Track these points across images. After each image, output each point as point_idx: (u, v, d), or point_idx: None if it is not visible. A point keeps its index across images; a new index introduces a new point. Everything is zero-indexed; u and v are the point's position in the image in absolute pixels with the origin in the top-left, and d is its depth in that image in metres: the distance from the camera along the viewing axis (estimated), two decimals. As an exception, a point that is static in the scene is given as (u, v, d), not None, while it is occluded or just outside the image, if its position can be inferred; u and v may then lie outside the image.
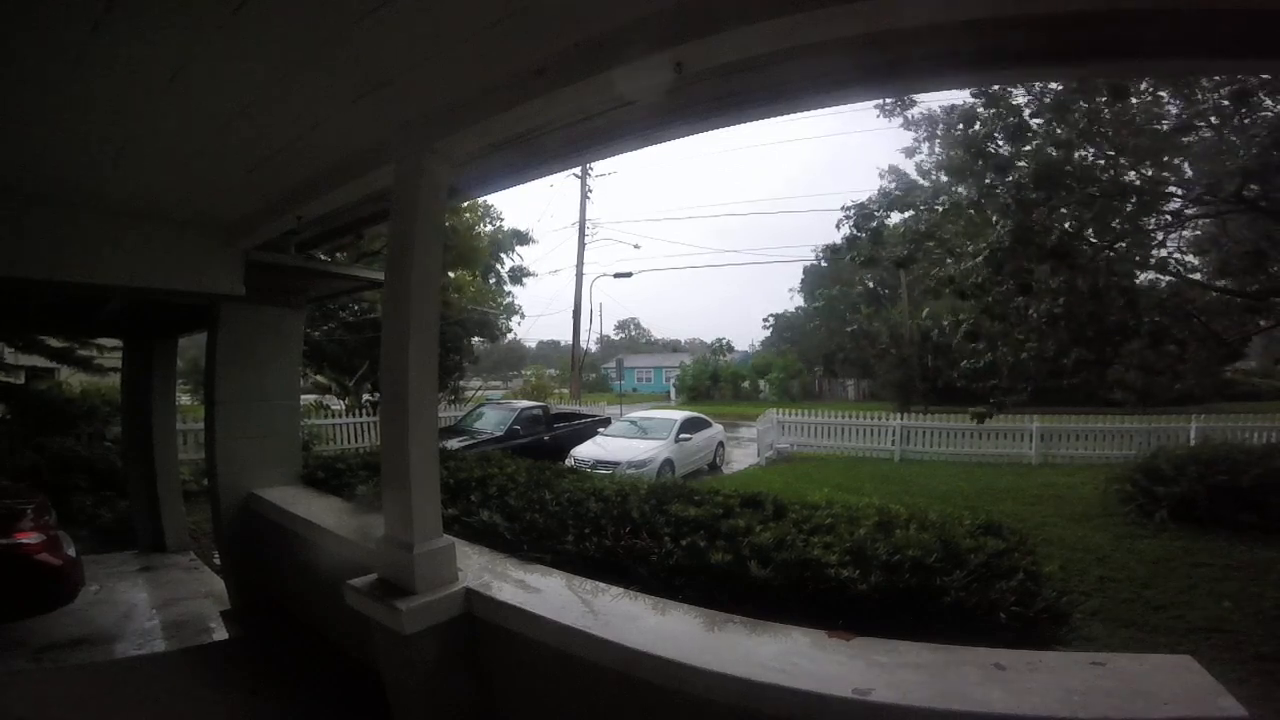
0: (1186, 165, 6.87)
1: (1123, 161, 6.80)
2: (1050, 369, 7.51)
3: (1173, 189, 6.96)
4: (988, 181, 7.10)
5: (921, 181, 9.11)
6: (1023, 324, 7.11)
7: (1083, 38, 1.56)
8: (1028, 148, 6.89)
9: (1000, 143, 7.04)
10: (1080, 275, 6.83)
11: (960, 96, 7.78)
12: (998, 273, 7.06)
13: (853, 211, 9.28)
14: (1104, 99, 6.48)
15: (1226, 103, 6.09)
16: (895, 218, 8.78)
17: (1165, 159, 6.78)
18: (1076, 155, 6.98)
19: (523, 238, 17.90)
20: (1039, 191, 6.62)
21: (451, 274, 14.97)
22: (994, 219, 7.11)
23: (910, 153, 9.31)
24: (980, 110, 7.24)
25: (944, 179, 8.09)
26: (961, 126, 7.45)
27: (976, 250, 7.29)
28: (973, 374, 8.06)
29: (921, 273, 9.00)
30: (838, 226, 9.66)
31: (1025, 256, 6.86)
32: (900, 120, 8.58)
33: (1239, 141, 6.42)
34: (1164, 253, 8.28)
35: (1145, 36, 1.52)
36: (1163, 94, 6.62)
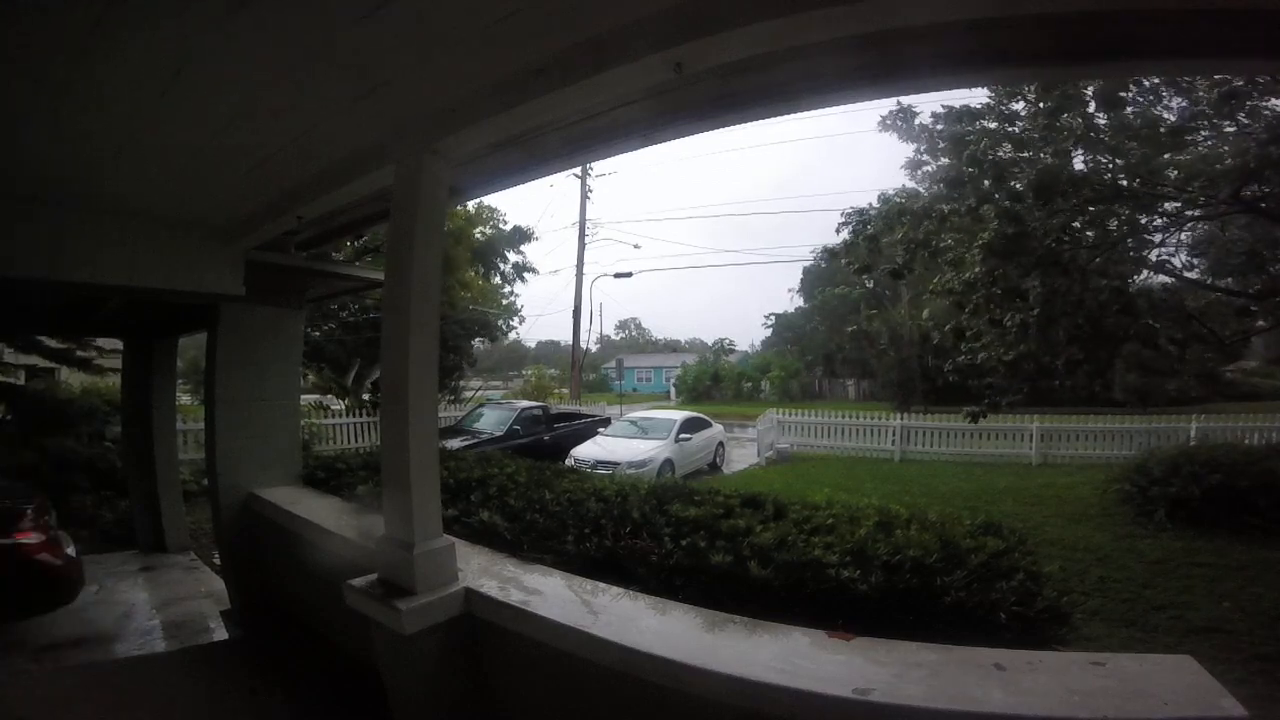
0: (1184, 167, 6.86)
1: (1119, 163, 6.79)
2: (1041, 370, 7.50)
3: (1170, 190, 6.95)
4: (985, 186, 7.10)
5: (921, 190, 9.08)
6: (1012, 326, 7.11)
7: (1083, 38, 1.56)
8: (1025, 153, 6.89)
9: (995, 152, 7.05)
10: (1071, 281, 6.83)
11: (959, 99, 7.79)
12: (989, 275, 7.08)
13: (853, 218, 9.28)
14: (1093, 106, 6.49)
15: (1224, 104, 6.09)
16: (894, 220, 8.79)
17: (1164, 157, 6.77)
18: (1073, 161, 6.98)
19: (525, 235, 17.87)
20: (1036, 201, 6.62)
21: (463, 290, 14.95)
22: (989, 225, 7.11)
23: (914, 166, 9.20)
24: (969, 126, 7.25)
25: (941, 188, 8.06)
26: (952, 144, 7.45)
27: (973, 260, 7.31)
28: (965, 369, 8.06)
29: (919, 279, 8.99)
30: (837, 231, 9.69)
31: (1016, 263, 6.87)
32: (899, 133, 8.54)
33: (1236, 143, 6.42)
34: (1161, 254, 8.29)
35: (1145, 36, 1.52)
36: (1163, 94, 6.62)
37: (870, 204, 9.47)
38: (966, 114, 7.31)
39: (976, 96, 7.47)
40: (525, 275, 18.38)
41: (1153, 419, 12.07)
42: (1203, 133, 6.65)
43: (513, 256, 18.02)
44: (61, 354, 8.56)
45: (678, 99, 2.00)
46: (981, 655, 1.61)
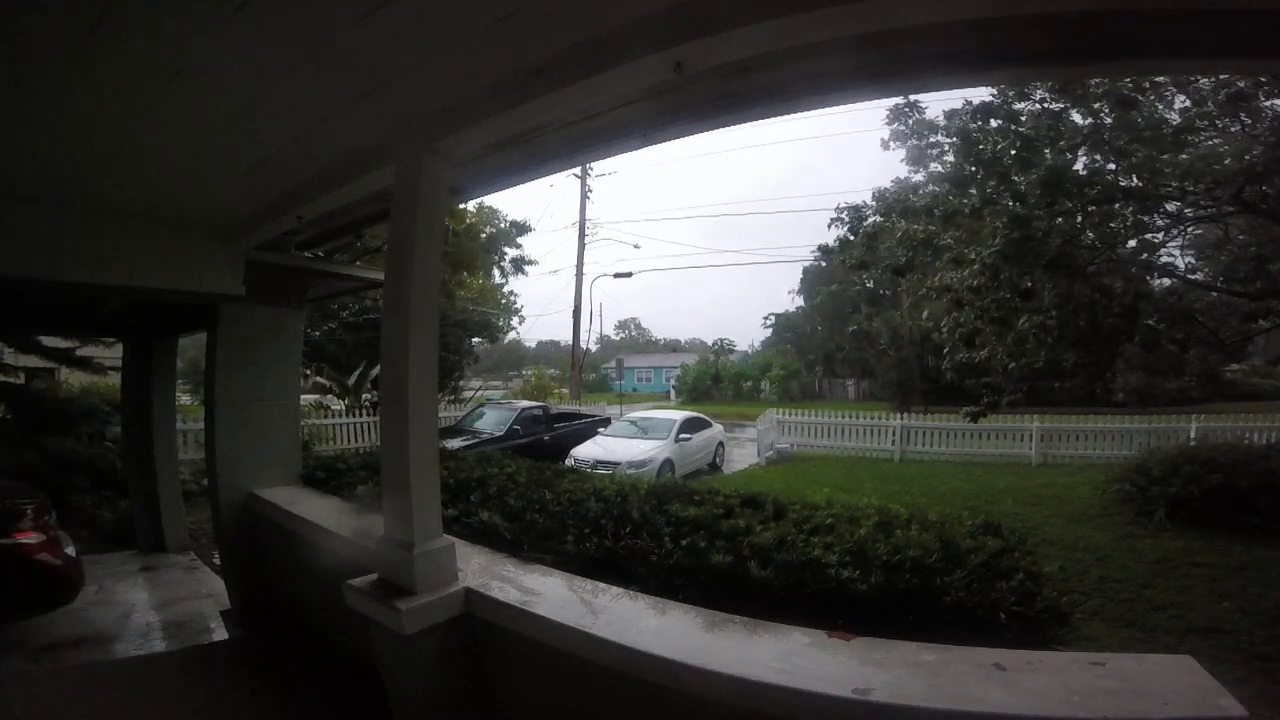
0: (1187, 167, 6.86)
1: (1124, 165, 6.79)
2: (1046, 372, 7.51)
3: (1173, 191, 6.95)
4: (990, 187, 7.10)
5: (930, 187, 9.06)
6: (1029, 329, 7.11)
7: (1083, 38, 1.56)
8: (1025, 154, 6.89)
9: (1004, 152, 7.04)
10: (1078, 282, 6.83)
11: (964, 96, 7.77)
12: (994, 279, 7.09)
13: (846, 214, 9.26)
14: (1102, 105, 6.48)
15: (1231, 105, 6.08)
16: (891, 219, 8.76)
17: (1166, 157, 6.76)
18: (1079, 161, 6.98)
19: (522, 228, 17.88)
20: (1043, 197, 6.62)
21: (460, 290, 15.01)
22: (995, 227, 7.11)
23: (915, 160, 9.14)
24: (975, 125, 7.24)
25: (946, 187, 8.05)
26: (959, 140, 7.43)
27: (977, 258, 7.30)
28: (963, 368, 8.07)
29: (919, 281, 8.98)
30: (829, 226, 9.68)
31: (1024, 265, 6.88)
32: (904, 129, 8.51)
33: (1239, 144, 6.42)
34: (1163, 255, 8.29)
35: (1145, 36, 1.52)
36: (1166, 94, 6.62)
37: (865, 202, 9.44)
38: (980, 110, 7.27)
39: (980, 95, 7.47)
40: (525, 269, 18.39)
41: (1153, 419, 12.06)
42: (1204, 135, 6.65)
43: (511, 251, 18.04)
44: (61, 354, 8.55)
45: (678, 99, 2.00)
46: (981, 655, 1.60)
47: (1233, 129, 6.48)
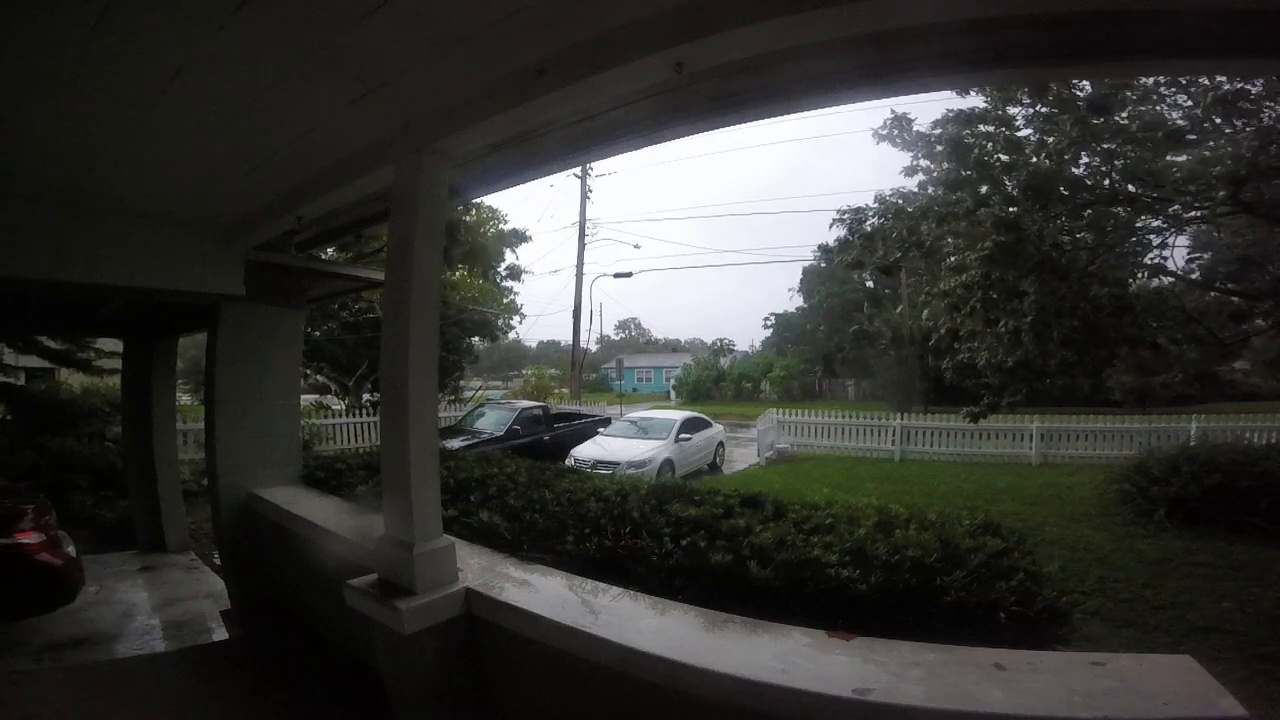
0: (1182, 169, 6.86)
1: (1116, 165, 6.79)
2: (1035, 372, 7.52)
3: (1167, 193, 6.95)
4: (982, 191, 7.11)
5: (929, 190, 9.10)
6: (1005, 333, 7.14)
7: (1083, 38, 1.56)
8: (1018, 157, 6.91)
9: (996, 156, 7.05)
10: (1067, 285, 6.84)
11: (956, 103, 7.78)
12: (986, 278, 7.12)
13: (847, 215, 9.28)
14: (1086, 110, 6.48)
15: (1220, 107, 6.08)
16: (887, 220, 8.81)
17: (1167, 158, 6.76)
18: (1069, 165, 6.99)
19: (521, 237, 18.18)
20: (1028, 203, 6.64)
21: (462, 267, 15.15)
22: (988, 229, 7.13)
23: (910, 172, 9.19)
24: (967, 130, 7.25)
25: (940, 190, 8.08)
26: (950, 146, 7.44)
27: (970, 262, 7.34)
28: (962, 369, 8.09)
29: (920, 283, 9.05)
30: (830, 227, 9.74)
31: (1014, 268, 6.90)
32: (895, 141, 8.55)
33: (1235, 146, 6.41)
34: (1158, 256, 8.30)
35: (1145, 36, 1.52)
36: (1163, 94, 6.61)
37: (866, 204, 9.50)
38: (972, 117, 7.30)
39: (972, 100, 7.49)
40: (521, 277, 18.70)
41: (1153, 419, 12.05)
42: (1193, 136, 6.64)
43: (509, 258, 18.29)
44: (61, 355, 8.56)
45: (678, 99, 2.00)
46: (981, 655, 1.60)
47: (1226, 130, 6.48)
